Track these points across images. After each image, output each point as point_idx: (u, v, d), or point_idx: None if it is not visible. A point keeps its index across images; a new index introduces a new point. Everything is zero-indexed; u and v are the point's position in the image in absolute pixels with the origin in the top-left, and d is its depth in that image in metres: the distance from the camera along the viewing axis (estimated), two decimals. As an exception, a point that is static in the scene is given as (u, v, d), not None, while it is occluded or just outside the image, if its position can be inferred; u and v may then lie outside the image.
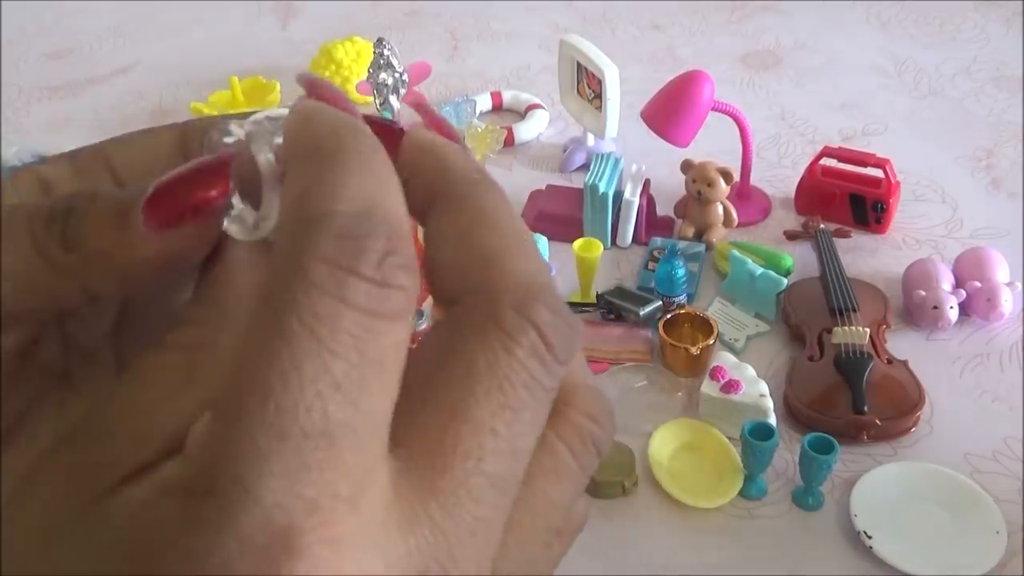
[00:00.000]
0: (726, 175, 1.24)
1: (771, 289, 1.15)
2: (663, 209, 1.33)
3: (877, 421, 0.99)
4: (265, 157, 0.20)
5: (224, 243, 0.21)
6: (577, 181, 1.38)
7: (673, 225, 1.33)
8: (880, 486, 0.94)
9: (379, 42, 1.37)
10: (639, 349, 1.13)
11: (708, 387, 1.02)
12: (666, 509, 0.96)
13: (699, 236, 1.29)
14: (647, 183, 1.29)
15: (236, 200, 0.21)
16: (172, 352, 0.20)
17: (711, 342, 1.08)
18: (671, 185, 1.33)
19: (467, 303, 0.20)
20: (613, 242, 1.30)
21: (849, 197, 1.29)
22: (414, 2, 1.99)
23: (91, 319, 0.24)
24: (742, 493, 0.96)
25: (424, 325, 1.02)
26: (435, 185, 0.21)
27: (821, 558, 0.91)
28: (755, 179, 1.37)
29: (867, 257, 1.26)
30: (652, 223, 1.31)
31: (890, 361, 1.07)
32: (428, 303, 1.00)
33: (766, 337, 1.15)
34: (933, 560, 0.88)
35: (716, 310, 1.18)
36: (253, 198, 0.21)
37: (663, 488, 0.96)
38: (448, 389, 0.19)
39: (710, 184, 1.24)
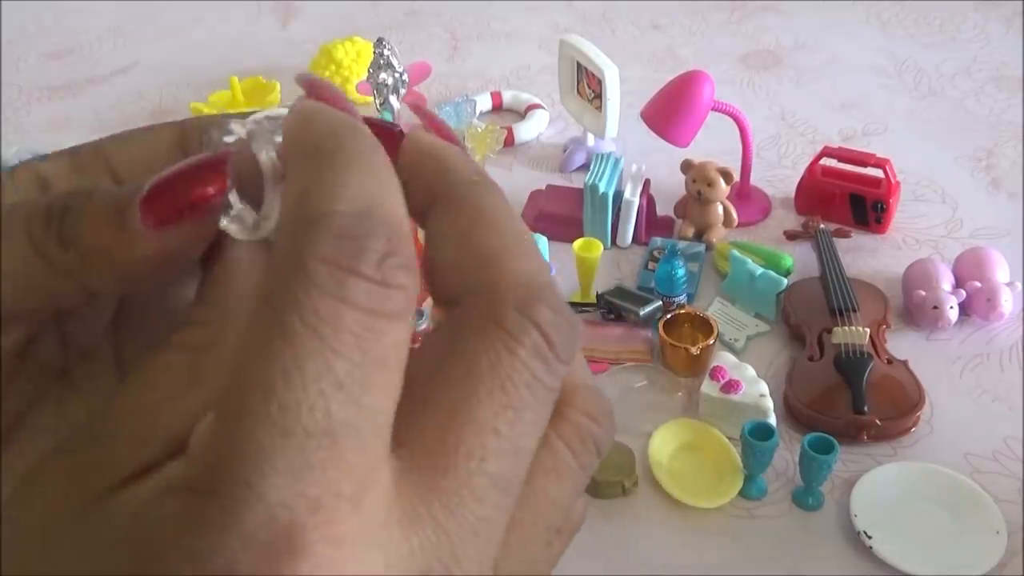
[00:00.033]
0: (726, 175, 1.24)
1: (771, 289, 1.15)
2: (663, 209, 1.33)
3: (877, 421, 0.99)
4: (267, 156, 0.20)
5: (225, 243, 0.21)
6: (577, 181, 1.38)
7: (673, 225, 1.33)
8: (880, 486, 0.94)
9: (379, 42, 1.37)
10: (639, 349, 1.13)
11: (708, 387, 1.02)
12: (666, 509, 0.96)
13: (699, 236, 1.29)
14: (647, 183, 1.29)
15: (235, 199, 0.21)
16: (175, 353, 0.20)
17: (711, 342, 1.08)
18: (671, 185, 1.33)
19: (468, 303, 0.20)
20: (613, 242, 1.30)
21: (849, 197, 1.29)
22: (414, 2, 1.99)
23: (89, 317, 0.24)
24: (742, 493, 0.96)
25: (424, 325, 1.02)
26: (435, 186, 0.21)
27: (821, 558, 0.91)
28: (755, 179, 1.37)
29: (867, 257, 1.26)
30: (652, 223, 1.31)
31: (890, 361, 1.07)
32: (428, 303, 1.00)
33: (766, 337, 1.15)
34: (933, 560, 0.88)
35: (716, 310, 1.18)
36: (253, 197, 0.21)
37: (663, 488, 0.96)
38: (450, 389, 0.19)
39: (710, 184, 1.24)
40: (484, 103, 1.59)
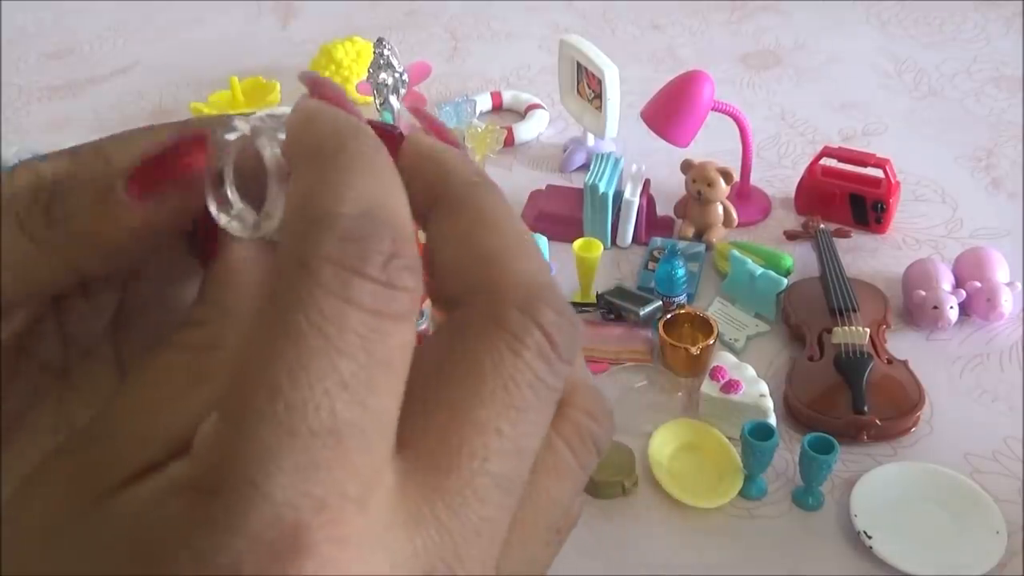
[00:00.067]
0: (726, 175, 1.24)
1: (771, 289, 1.15)
2: (663, 209, 1.33)
3: (877, 421, 0.99)
4: (271, 152, 0.20)
5: (226, 242, 0.21)
6: (577, 181, 1.38)
7: (673, 225, 1.33)
8: (880, 486, 0.94)
9: (379, 42, 1.37)
10: (639, 349, 1.13)
11: (708, 387, 1.02)
12: (666, 509, 0.96)
13: (699, 236, 1.29)
14: (647, 183, 1.29)
15: (236, 198, 0.21)
16: (176, 352, 0.20)
17: (711, 342, 1.08)
18: (671, 185, 1.33)
19: (470, 304, 0.20)
20: (613, 242, 1.30)
21: (849, 197, 1.29)
22: (414, 2, 1.99)
23: (90, 317, 0.24)
24: (742, 493, 0.96)
25: (423, 326, 1.02)
26: (435, 188, 0.21)
27: (821, 558, 0.91)
28: (755, 179, 1.37)
29: (867, 257, 1.26)
30: (652, 223, 1.31)
31: (890, 361, 1.07)
32: (427, 304, 1.00)
33: (766, 337, 1.15)
34: (933, 560, 0.88)
35: (716, 310, 1.18)
36: (253, 196, 0.21)
37: (663, 488, 0.96)
38: (453, 389, 0.19)
39: (710, 184, 1.24)
40: (484, 103, 1.59)
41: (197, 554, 0.16)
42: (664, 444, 1.00)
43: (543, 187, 1.38)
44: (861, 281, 1.19)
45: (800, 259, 1.25)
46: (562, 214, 1.30)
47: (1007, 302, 1.12)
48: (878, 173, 1.28)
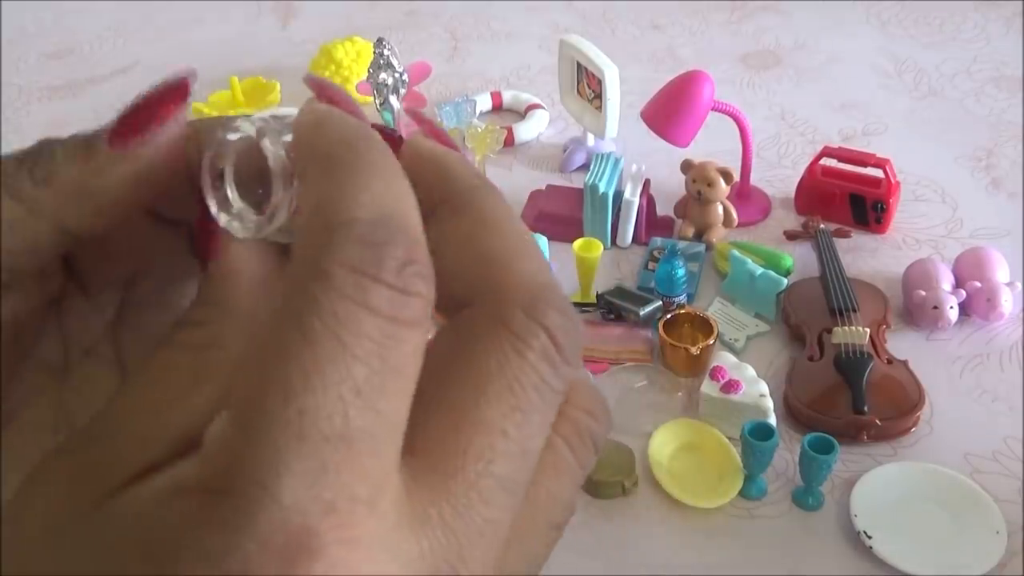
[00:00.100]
0: (726, 175, 1.24)
1: (771, 289, 1.15)
2: (663, 209, 1.33)
3: (877, 421, 0.99)
4: (276, 152, 0.20)
5: (226, 242, 0.21)
6: (577, 181, 1.38)
7: (673, 225, 1.33)
8: (880, 486, 0.94)
9: (379, 42, 1.37)
10: (639, 349, 1.13)
11: (708, 387, 1.02)
12: (666, 509, 0.96)
13: (699, 236, 1.29)
14: (647, 183, 1.29)
15: (236, 198, 0.21)
16: (178, 352, 0.20)
17: (711, 342, 1.08)
18: (671, 185, 1.33)
19: (474, 306, 0.20)
20: (613, 242, 1.30)
21: (849, 197, 1.29)
22: (414, 2, 1.99)
23: (89, 316, 0.24)
24: (742, 493, 0.96)
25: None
26: (436, 191, 0.21)
27: (821, 558, 0.91)
28: (755, 179, 1.37)
29: (867, 257, 1.26)
30: (652, 223, 1.31)
31: (890, 361, 1.07)
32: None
33: (766, 337, 1.15)
34: (933, 560, 0.88)
35: (716, 310, 1.18)
36: (253, 195, 0.21)
37: (663, 488, 0.96)
38: (458, 391, 0.19)
39: (710, 184, 1.24)
40: (484, 103, 1.59)
41: (205, 555, 0.16)
42: (664, 444, 1.00)
43: (543, 187, 1.38)
44: (861, 281, 1.19)
45: (800, 259, 1.25)
46: (562, 214, 1.30)
47: (1007, 302, 1.12)
48: (878, 173, 1.28)
